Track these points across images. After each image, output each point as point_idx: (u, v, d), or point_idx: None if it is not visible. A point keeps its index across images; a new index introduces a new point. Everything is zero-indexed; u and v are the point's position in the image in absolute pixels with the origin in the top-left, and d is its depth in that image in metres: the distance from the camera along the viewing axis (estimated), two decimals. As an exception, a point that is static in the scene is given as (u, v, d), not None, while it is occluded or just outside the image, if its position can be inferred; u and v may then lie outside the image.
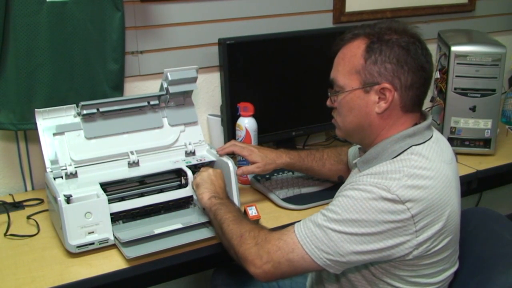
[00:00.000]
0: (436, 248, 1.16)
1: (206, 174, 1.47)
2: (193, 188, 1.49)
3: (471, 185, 1.88)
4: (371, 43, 1.19)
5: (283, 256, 1.16)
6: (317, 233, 1.14)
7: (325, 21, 2.16)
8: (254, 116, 1.77)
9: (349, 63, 1.22)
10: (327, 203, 1.59)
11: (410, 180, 1.11)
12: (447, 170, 1.19)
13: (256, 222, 1.35)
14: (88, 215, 1.34)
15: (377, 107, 1.20)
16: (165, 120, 1.65)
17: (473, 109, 1.93)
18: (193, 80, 1.63)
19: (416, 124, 1.23)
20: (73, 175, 1.49)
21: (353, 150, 1.56)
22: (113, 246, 1.39)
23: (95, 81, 1.72)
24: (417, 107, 1.24)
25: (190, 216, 1.48)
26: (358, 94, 1.21)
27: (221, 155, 1.58)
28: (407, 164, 1.15)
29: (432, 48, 2.31)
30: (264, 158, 1.55)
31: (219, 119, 1.95)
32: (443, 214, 1.14)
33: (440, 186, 1.14)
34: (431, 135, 1.23)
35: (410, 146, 1.19)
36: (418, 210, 1.10)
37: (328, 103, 1.31)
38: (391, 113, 1.21)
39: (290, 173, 1.78)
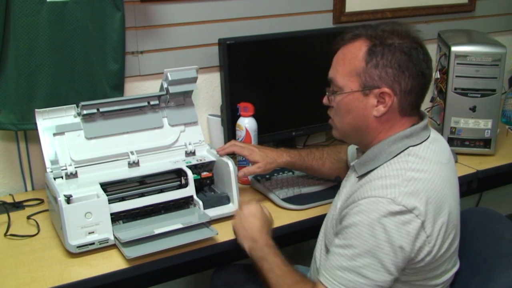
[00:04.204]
0: (442, 250, 1.16)
1: (238, 219, 1.39)
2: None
3: (471, 185, 1.88)
4: (373, 46, 1.18)
5: None
6: (349, 277, 1.11)
7: (325, 21, 2.15)
8: (254, 116, 1.77)
9: (349, 64, 1.21)
10: (327, 203, 1.62)
11: (409, 185, 1.11)
12: (443, 171, 1.19)
13: None
14: (88, 215, 1.34)
15: (375, 111, 1.20)
16: (165, 120, 1.65)
17: (473, 109, 1.92)
18: (193, 80, 1.63)
19: (413, 124, 1.23)
20: (73, 175, 1.49)
21: (352, 148, 1.56)
22: (113, 246, 1.39)
23: (95, 81, 1.72)
24: (415, 111, 1.24)
25: (190, 216, 1.48)
26: (357, 96, 1.21)
27: (221, 155, 1.58)
28: (405, 166, 1.15)
29: (432, 48, 2.32)
30: (265, 158, 1.55)
31: (219, 119, 1.95)
32: (444, 214, 1.14)
33: (437, 188, 1.14)
34: (428, 136, 1.23)
35: (407, 147, 1.19)
36: (424, 215, 1.10)
37: (325, 101, 1.30)
38: (389, 117, 1.21)
39: (290, 173, 1.78)
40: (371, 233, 1.09)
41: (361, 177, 1.22)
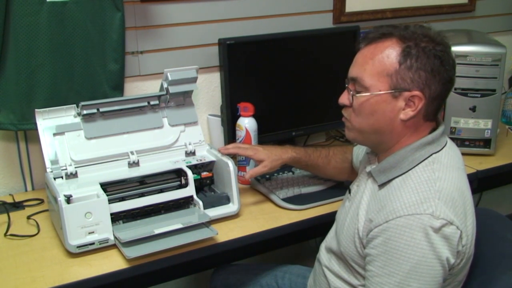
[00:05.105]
0: (471, 252, 1.16)
1: None
2: None
3: (471, 185, 1.88)
4: (407, 48, 1.13)
5: None
6: None
7: (325, 21, 2.15)
8: (254, 116, 1.77)
9: (380, 64, 1.15)
10: (327, 203, 1.62)
11: (442, 196, 1.09)
12: (462, 177, 1.19)
13: None
14: (88, 215, 1.34)
15: (402, 114, 1.16)
16: (165, 120, 1.65)
17: (473, 109, 1.92)
18: (193, 80, 1.63)
19: (432, 130, 1.20)
20: (73, 175, 1.49)
21: (357, 149, 1.55)
22: (113, 246, 1.39)
23: (95, 81, 1.72)
24: (435, 116, 1.21)
25: (190, 216, 1.48)
26: (385, 98, 1.15)
27: (222, 154, 1.57)
28: (432, 176, 1.13)
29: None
30: (270, 155, 1.54)
31: (219, 119, 1.95)
32: (469, 218, 1.14)
33: (462, 194, 1.14)
34: (446, 141, 1.21)
35: (431, 154, 1.16)
36: (460, 225, 1.09)
37: (344, 100, 1.22)
38: (415, 121, 1.17)
39: (290, 173, 1.78)
40: (420, 253, 1.06)
41: (382, 185, 1.19)
